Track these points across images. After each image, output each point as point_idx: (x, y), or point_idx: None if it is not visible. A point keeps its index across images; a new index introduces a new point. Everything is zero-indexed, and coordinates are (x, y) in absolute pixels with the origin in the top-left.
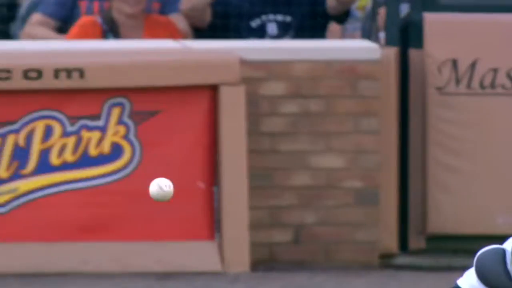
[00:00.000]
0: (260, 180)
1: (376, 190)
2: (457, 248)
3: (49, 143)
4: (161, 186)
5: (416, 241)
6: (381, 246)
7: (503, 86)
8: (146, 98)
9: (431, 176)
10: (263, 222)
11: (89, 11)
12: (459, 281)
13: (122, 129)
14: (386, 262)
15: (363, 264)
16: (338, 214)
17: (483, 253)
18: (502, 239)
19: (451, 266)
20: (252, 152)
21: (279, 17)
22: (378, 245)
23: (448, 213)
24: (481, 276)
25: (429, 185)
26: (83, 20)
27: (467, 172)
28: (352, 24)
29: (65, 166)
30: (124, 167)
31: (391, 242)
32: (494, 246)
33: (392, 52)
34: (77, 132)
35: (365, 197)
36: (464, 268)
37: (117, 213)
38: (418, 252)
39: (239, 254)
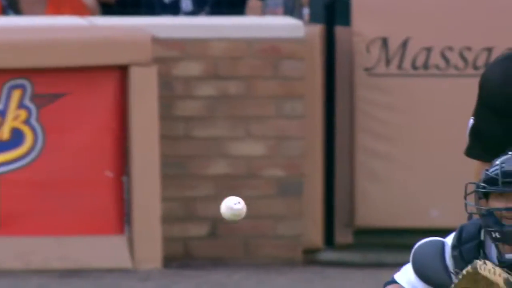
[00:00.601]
0: (174, 169)
1: (300, 179)
2: (387, 242)
3: None
4: (230, 206)
5: (343, 235)
6: (305, 240)
7: (437, 67)
8: (49, 80)
9: (359, 164)
10: (177, 214)
11: None
12: (396, 276)
13: (23, 113)
14: (310, 258)
15: (286, 260)
16: (258, 206)
17: (420, 246)
18: (436, 233)
19: (380, 262)
20: (165, 138)
21: None
22: (302, 239)
23: (377, 204)
24: (418, 271)
25: (357, 174)
26: None
27: (398, 160)
28: (274, 0)
29: None
30: (26, 154)
31: (316, 236)
32: (432, 238)
33: (317, 30)
34: None
35: (288, 188)
36: (395, 265)
37: (18, 205)
38: (345, 247)
39: (151, 250)
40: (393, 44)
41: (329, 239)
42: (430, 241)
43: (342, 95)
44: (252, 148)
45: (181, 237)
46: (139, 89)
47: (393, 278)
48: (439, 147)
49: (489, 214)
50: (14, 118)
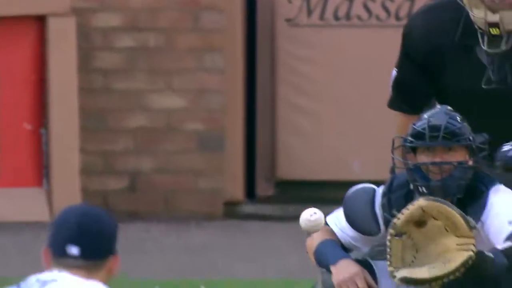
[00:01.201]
0: (93, 122)
1: (221, 133)
2: (308, 195)
3: None
4: (307, 219)
5: (263, 189)
6: (225, 194)
7: (359, 17)
8: None
9: (281, 118)
10: (96, 168)
11: None
12: (328, 218)
13: None
14: (231, 211)
15: (206, 214)
16: (178, 160)
17: (353, 191)
18: (356, 184)
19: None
20: (83, 90)
21: None
22: (223, 193)
23: (298, 158)
24: (348, 215)
25: (279, 128)
26: None
27: (320, 114)
28: None
29: None
30: None
31: (236, 189)
32: (366, 185)
33: None
34: None
35: (208, 141)
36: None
37: None
38: (266, 200)
39: (70, 203)
40: None
41: (250, 193)
42: (363, 188)
43: (263, 47)
44: (172, 101)
45: (100, 190)
46: (58, 40)
47: (329, 219)
48: (361, 100)
49: (416, 168)
50: None
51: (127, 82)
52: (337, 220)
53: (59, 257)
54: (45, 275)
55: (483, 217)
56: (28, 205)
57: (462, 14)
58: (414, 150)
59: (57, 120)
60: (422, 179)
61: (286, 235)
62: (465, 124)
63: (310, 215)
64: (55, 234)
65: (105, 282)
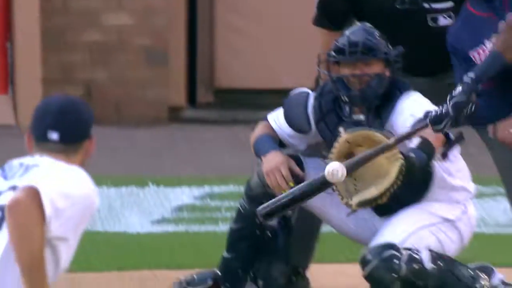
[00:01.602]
0: (53, 38)
1: (165, 48)
2: (242, 102)
3: None
4: (333, 174)
5: (203, 96)
6: (170, 100)
7: None
8: None
9: (218, 35)
10: (56, 77)
11: None
12: (269, 116)
13: None
14: (174, 116)
15: (153, 118)
16: (128, 71)
17: (292, 94)
18: (284, 93)
19: (235, 119)
20: (45, 11)
21: None
22: (167, 100)
23: (234, 69)
24: (286, 114)
25: (216, 43)
26: None
27: (254, 34)
28: None
29: None
30: None
31: (179, 97)
32: (303, 89)
33: None
34: None
35: (154, 55)
36: (247, 121)
37: None
38: (205, 106)
39: (32, 108)
40: None
41: (191, 99)
42: (300, 92)
43: None
44: (123, 19)
45: None
46: None
47: (266, 117)
48: (289, 19)
49: (338, 80)
50: None
51: (83, 1)
52: (277, 118)
53: (41, 142)
54: (28, 160)
55: (393, 118)
56: None
57: None
58: (338, 63)
59: (21, 35)
60: (344, 89)
61: (223, 136)
62: (382, 40)
63: (335, 172)
64: (37, 121)
65: (82, 163)
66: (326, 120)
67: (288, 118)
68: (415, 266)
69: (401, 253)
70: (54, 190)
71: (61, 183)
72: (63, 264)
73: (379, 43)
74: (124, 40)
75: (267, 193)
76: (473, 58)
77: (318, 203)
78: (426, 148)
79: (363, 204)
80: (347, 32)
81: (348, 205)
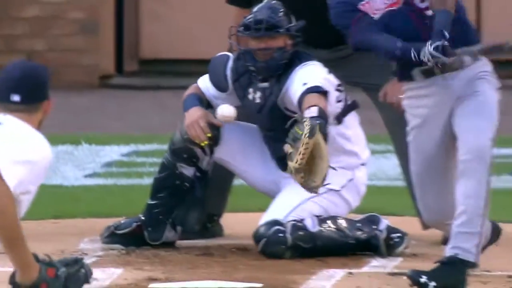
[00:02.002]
0: (4, 20)
1: (97, 21)
2: (165, 70)
3: None
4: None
5: (130, 65)
6: (100, 69)
7: None
8: None
9: (143, 8)
10: (1, 49)
11: None
12: (199, 80)
13: None
14: (105, 83)
15: (86, 84)
16: (64, 42)
17: (215, 57)
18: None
19: (159, 86)
20: None
21: None
22: (98, 68)
23: (159, 40)
24: (209, 75)
25: (143, 18)
26: None
27: (178, 6)
28: None
29: None
30: None
31: (109, 65)
32: (225, 53)
33: None
34: None
35: (87, 27)
36: (171, 87)
37: None
38: (132, 74)
39: None
40: None
41: (119, 68)
42: (222, 54)
43: None
44: None
45: (2, 65)
46: None
47: (197, 82)
48: None
49: (246, 52)
50: None
51: None
52: (205, 80)
53: (5, 103)
54: None
55: (287, 84)
56: None
57: None
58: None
59: None
60: (251, 61)
61: (148, 101)
62: (285, 16)
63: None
64: (1, 85)
65: (41, 121)
66: (240, 80)
67: (211, 77)
68: (300, 232)
69: (285, 226)
70: (16, 159)
71: (21, 152)
72: (23, 213)
73: (281, 20)
74: (60, 14)
75: (188, 148)
76: (363, 9)
77: (233, 161)
78: (323, 115)
79: (324, 178)
80: (254, 9)
81: (312, 186)
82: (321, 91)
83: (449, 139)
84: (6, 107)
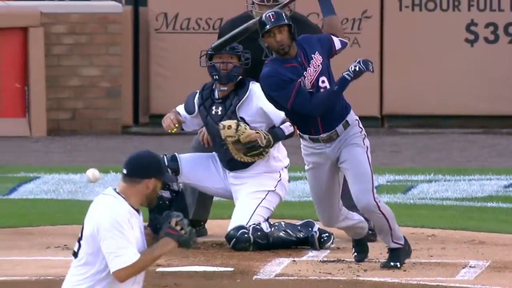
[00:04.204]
0: (51, 82)
1: (119, 88)
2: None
3: None
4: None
5: (143, 118)
6: (122, 121)
7: (193, 28)
8: None
9: (152, 82)
10: (53, 107)
11: None
12: (178, 107)
13: None
14: (125, 130)
15: (112, 132)
16: (96, 102)
17: (190, 93)
18: None
19: (163, 133)
20: (47, 65)
21: None
22: (120, 120)
23: (163, 101)
24: (184, 104)
25: (151, 85)
26: None
27: (173, 78)
28: None
29: None
30: None
31: (128, 119)
32: (196, 90)
33: (129, 8)
34: None
35: (112, 92)
36: (170, 135)
37: None
38: (144, 125)
39: (40, 126)
40: (170, 16)
41: (135, 120)
42: (194, 91)
43: (143, 49)
44: (93, 72)
45: (55, 119)
46: (34, 43)
47: (175, 108)
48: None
49: (212, 66)
50: None
51: (68, 59)
52: (180, 107)
53: (122, 173)
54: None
55: (247, 97)
56: (16, 127)
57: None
58: (213, 56)
59: (33, 81)
60: (216, 72)
61: (154, 143)
62: (239, 45)
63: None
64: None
65: (147, 195)
66: (205, 103)
67: (184, 105)
68: (259, 233)
69: (248, 229)
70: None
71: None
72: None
73: (237, 47)
74: (93, 84)
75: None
76: (302, 84)
77: (192, 182)
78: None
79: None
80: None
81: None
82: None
83: (334, 176)
84: (122, 177)
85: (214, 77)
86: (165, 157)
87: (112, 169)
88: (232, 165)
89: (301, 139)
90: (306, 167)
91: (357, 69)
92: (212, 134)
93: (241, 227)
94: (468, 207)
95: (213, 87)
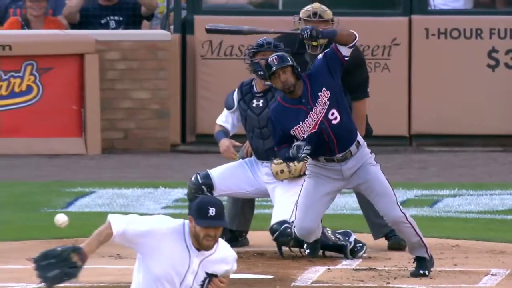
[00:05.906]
0: (106, 104)
1: (168, 110)
2: (211, 141)
3: None
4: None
5: (190, 137)
6: (170, 140)
7: (236, 54)
8: (45, 61)
9: (199, 102)
10: (108, 127)
11: (14, 14)
12: (218, 119)
13: (32, 77)
14: (173, 149)
15: (161, 150)
16: (147, 123)
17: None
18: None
19: (207, 151)
20: (101, 88)
21: (116, 18)
22: (169, 140)
23: (208, 122)
24: (225, 103)
25: (197, 107)
26: (11, 19)
27: (215, 99)
28: (156, 21)
29: (1, 97)
30: (34, 97)
31: (176, 138)
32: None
33: (177, 36)
34: (7, 79)
35: (161, 114)
36: (214, 152)
37: (29, 121)
38: (191, 143)
39: (95, 145)
40: (215, 44)
41: (183, 139)
42: (232, 91)
43: (190, 72)
44: (143, 95)
45: (109, 138)
46: (90, 70)
47: (217, 121)
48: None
49: (256, 63)
50: (28, 79)
51: (119, 83)
52: (220, 116)
53: None
54: None
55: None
56: (74, 146)
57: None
58: (255, 53)
59: (88, 103)
60: (259, 68)
61: (200, 160)
62: (281, 43)
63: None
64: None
65: (192, 228)
66: (245, 98)
67: (225, 102)
68: None
69: (290, 224)
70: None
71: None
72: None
73: (281, 46)
74: (144, 106)
75: (198, 188)
76: (295, 134)
77: (228, 192)
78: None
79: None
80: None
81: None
82: None
83: (333, 194)
84: None
85: (259, 73)
86: (198, 175)
87: (161, 184)
88: (269, 154)
89: (309, 160)
90: (308, 173)
91: (290, 155)
92: (251, 126)
93: (284, 221)
94: (489, 220)
95: (252, 83)
